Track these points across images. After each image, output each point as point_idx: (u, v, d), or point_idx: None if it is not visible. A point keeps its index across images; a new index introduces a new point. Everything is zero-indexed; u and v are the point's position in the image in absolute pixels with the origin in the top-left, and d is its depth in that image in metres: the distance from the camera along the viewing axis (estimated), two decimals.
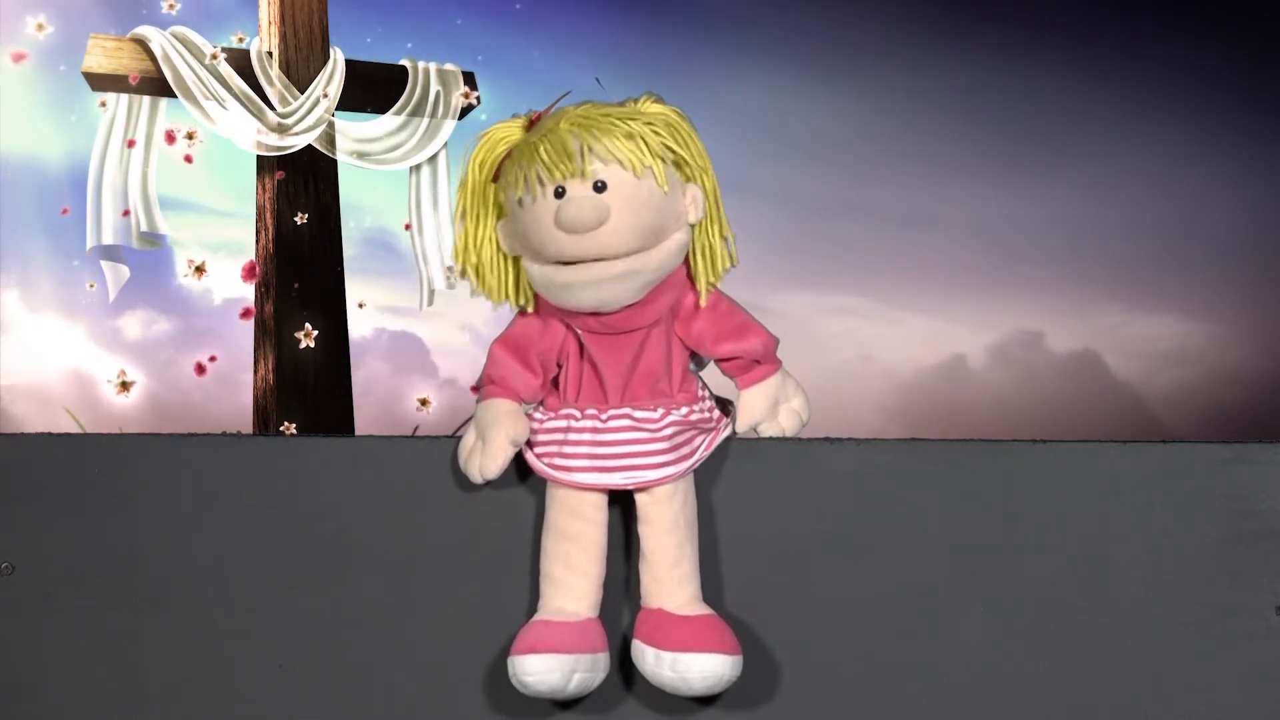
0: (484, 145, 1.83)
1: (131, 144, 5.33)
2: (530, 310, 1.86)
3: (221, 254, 5.44)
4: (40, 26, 5.29)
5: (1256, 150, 5.52)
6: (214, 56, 5.31)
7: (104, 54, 5.34)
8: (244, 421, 5.37)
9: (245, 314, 5.39)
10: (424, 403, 5.47)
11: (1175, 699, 1.87)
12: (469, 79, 5.56)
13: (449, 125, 5.53)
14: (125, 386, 5.31)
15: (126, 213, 5.32)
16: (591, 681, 1.80)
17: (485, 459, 1.81)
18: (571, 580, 1.81)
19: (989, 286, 5.52)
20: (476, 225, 1.84)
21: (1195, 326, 5.56)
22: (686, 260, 1.83)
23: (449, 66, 5.55)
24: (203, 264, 5.36)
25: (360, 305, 5.44)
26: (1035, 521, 1.89)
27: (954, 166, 5.51)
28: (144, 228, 5.36)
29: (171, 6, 5.38)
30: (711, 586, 1.85)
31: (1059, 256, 5.52)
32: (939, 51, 5.51)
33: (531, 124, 1.81)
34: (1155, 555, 1.88)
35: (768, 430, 1.87)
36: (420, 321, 5.54)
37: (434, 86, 5.52)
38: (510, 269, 1.84)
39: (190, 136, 5.38)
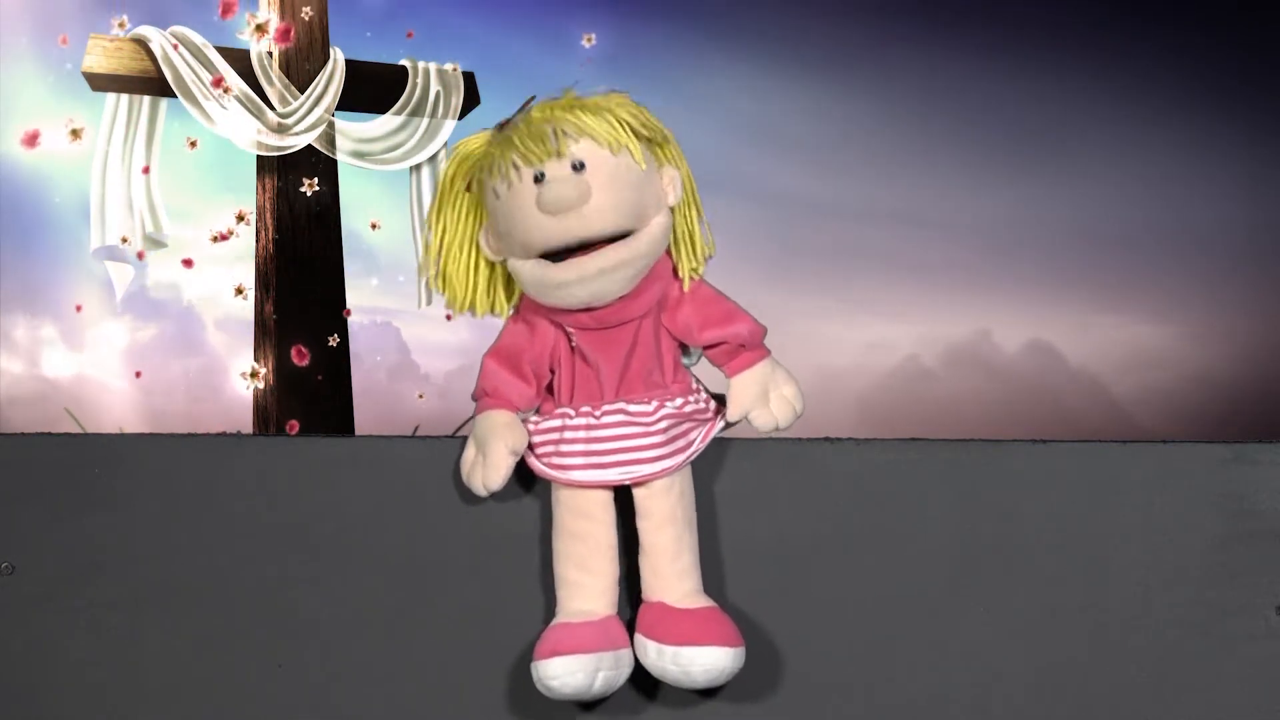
0: (457, 155, 1.83)
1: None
2: (505, 315, 1.86)
3: (221, 254, 5.45)
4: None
5: (1256, 153, 5.52)
6: (217, 84, 5.30)
7: (104, 54, 5.34)
8: (244, 421, 5.37)
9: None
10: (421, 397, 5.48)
11: (1175, 699, 1.87)
12: (469, 79, 5.56)
13: (449, 125, 5.54)
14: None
15: (126, 240, 5.33)
16: (616, 679, 1.80)
17: (487, 471, 1.81)
18: (586, 580, 1.82)
19: (957, 286, 5.51)
20: (447, 233, 1.83)
21: (1170, 328, 5.55)
22: (670, 249, 1.83)
23: (449, 66, 5.55)
24: (255, 372, 5.36)
25: (348, 312, 5.44)
26: (1035, 521, 1.89)
27: (935, 166, 5.50)
28: (148, 229, 5.36)
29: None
30: (713, 585, 1.85)
31: (1045, 257, 5.51)
32: (920, 51, 5.50)
33: (501, 128, 1.81)
34: (1155, 555, 1.88)
35: (760, 420, 1.85)
36: (417, 320, 5.54)
37: (434, 86, 5.52)
38: (484, 276, 1.84)
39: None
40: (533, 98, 1.82)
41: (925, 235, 5.51)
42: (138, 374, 5.37)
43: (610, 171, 1.75)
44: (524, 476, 1.87)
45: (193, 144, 5.37)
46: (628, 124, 1.77)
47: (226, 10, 5.35)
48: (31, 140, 5.27)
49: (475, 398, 1.85)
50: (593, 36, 5.48)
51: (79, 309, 5.36)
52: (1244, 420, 5.30)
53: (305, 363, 5.41)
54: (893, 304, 5.48)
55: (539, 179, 1.73)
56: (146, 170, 5.34)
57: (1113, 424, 5.40)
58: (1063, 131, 5.54)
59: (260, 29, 5.25)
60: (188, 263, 5.41)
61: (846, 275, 5.40)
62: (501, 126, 1.80)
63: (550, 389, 1.86)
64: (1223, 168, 5.52)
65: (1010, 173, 5.54)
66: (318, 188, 5.45)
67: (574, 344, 1.82)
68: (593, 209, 1.73)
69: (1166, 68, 5.50)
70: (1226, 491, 1.88)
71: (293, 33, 5.28)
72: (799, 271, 5.14)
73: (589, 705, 1.86)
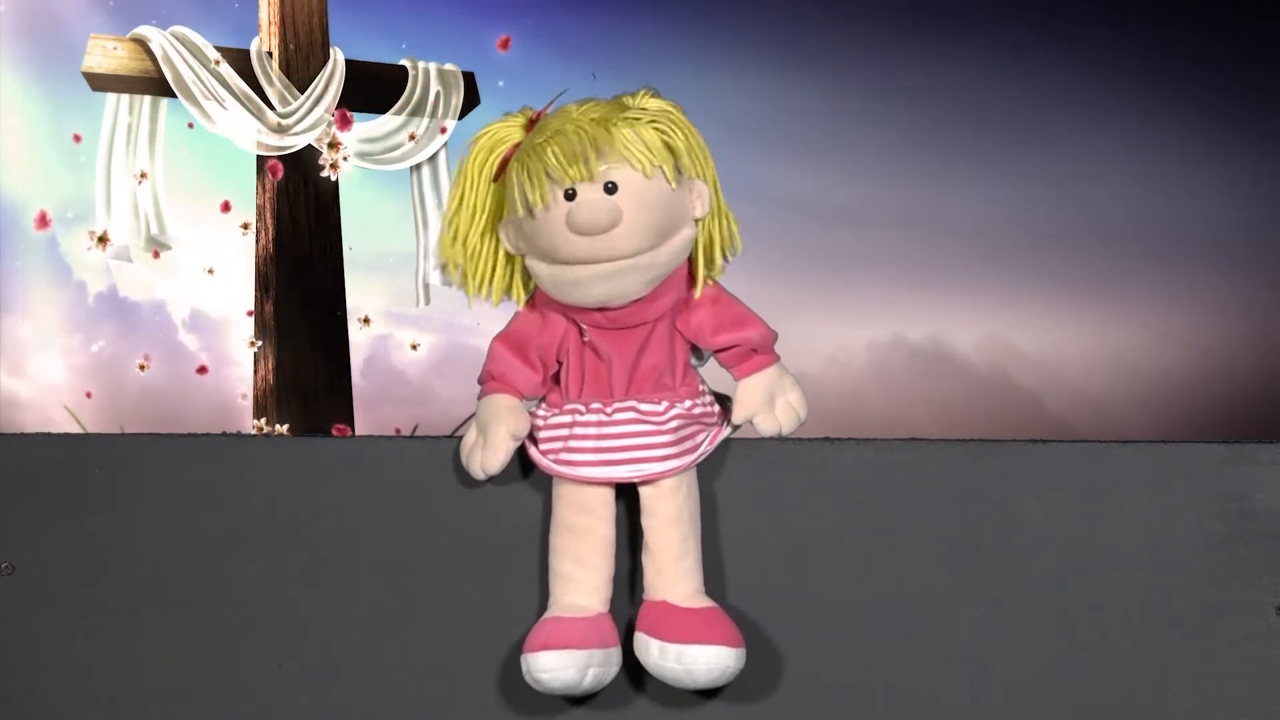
0: (484, 145, 1.82)
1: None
2: (523, 306, 1.86)
3: (221, 255, 5.45)
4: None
5: (1249, 154, 5.50)
6: (217, 62, 5.31)
7: (104, 54, 5.34)
8: (243, 421, 5.37)
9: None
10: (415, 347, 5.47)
11: (1175, 699, 1.87)
12: (469, 79, 5.56)
13: (449, 125, 5.54)
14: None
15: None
16: (605, 676, 1.80)
17: (487, 454, 1.81)
18: (581, 575, 1.82)
19: (931, 286, 5.49)
20: (471, 223, 1.84)
21: (1149, 329, 5.53)
22: (690, 255, 1.83)
23: (449, 66, 5.55)
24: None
25: (365, 320, 5.43)
26: (1035, 521, 1.89)
27: (912, 163, 5.48)
28: (153, 231, 5.36)
29: None
30: (713, 585, 1.85)
31: (1028, 257, 5.49)
32: (897, 43, 5.47)
33: (531, 123, 1.81)
34: (1155, 555, 1.88)
35: (764, 425, 1.85)
36: (416, 319, 5.54)
37: (434, 86, 5.52)
38: (503, 265, 1.84)
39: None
40: (564, 91, 1.82)
41: (904, 235, 5.50)
42: (141, 367, 5.37)
43: (641, 195, 1.75)
44: (524, 473, 1.87)
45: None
46: (663, 143, 1.77)
47: None
48: (42, 220, 5.29)
49: (481, 381, 1.86)
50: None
51: (72, 308, 5.36)
52: (1240, 421, 5.30)
53: (304, 363, 5.41)
54: (866, 303, 5.47)
55: (570, 195, 1.74)
56: (144, 175, 5.34)
57: (1090, 427, 5.38)
58: (1052, 131, 5.52)
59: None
60: (186, 264, 5.41)
61: (812, 274, 5.39)
62: (531, 122, 1.80)
63: (556, 380, 1.86)
64: (1214, 168, 5.51)
65: (992, 172, 5.52)
66: (318, 188, 5.45)
67: (586, 339, 1.83)
68: (622, 232, 1.73)
69: (1158, 66, 5.49)
70: (1226, 491, 1.88)
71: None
72: (770, 270, 5.13)
73: (579, 700, 1.86)
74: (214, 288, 5.44)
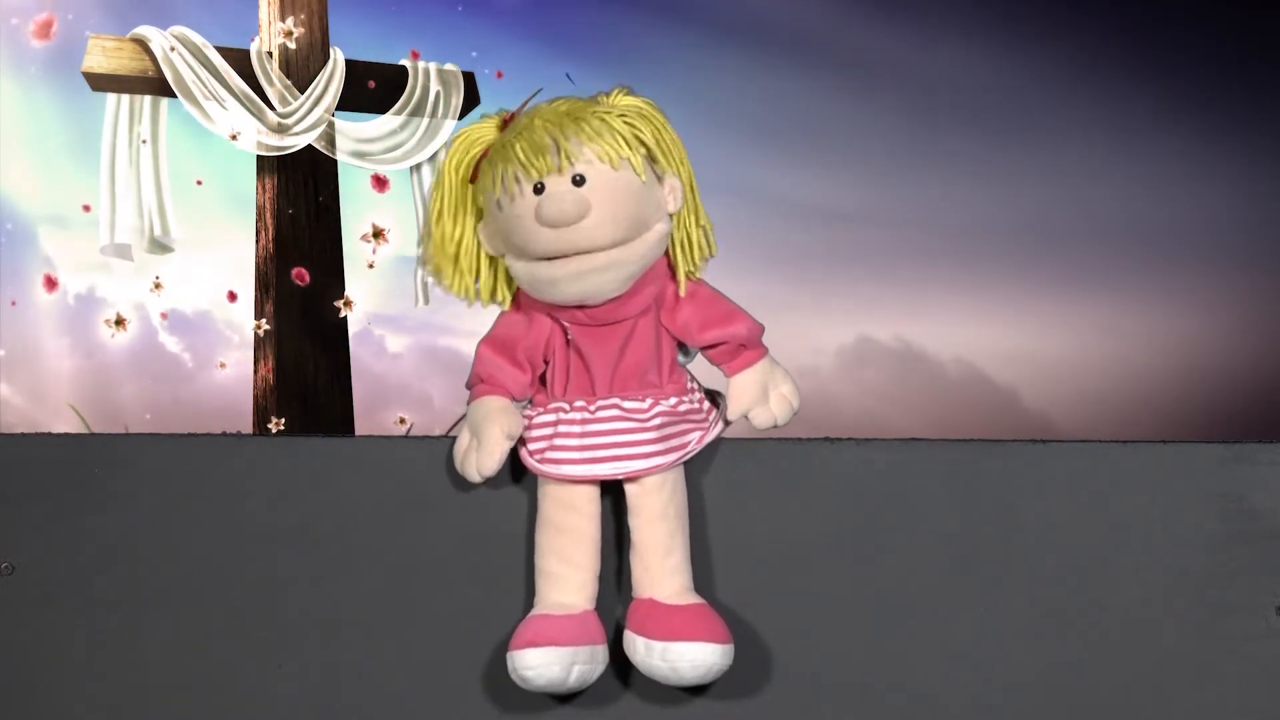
0: (459, 146, 1.84)
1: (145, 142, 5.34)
2: (508, 307, 1.86)
3: (222, 253, 5.44)
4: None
5: (1250, 153, 5.50)
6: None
7: (104, 54, 5.34)
8: (244, 421, 5.37)
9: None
10: (402, 421, 5.47)
11: (1175, 699, 1.87)
12: (469, 79, 5.56)
13: (449, 125, 5.54)
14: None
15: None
16: (591, 674, 1.81)
17: (482, 456, 1.81)
18: (567, 573, 1.82)
19: (915, 286, 5.47)
20: (453, 225, 1.84)
21: (1139, 330, 5.52)
22: (668, 250, 1.83)
23: (449, 66, 5.55)
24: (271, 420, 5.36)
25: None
26: (1035, 521, 1.89)
27: (900, 161, 5.46)
28: (156, 233, 5.36)
29: None
30: (710, 585, 1.85)
31: (1003, 255, 5.48)
32: (881, 36, 5.45)
33: (505, 123, 1.82)
34: (1155, 555, 1.88)
35: (759, 418, 1.85)
36: (417, 320, 5.54)
37: (434, 86, 5.52)
38: (486, 267, 1.85)
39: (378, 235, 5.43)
40: (539, 90, 1.83)
41: (892, 235, 5.49)
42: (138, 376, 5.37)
43: (610, 186, 1.75)
44: (518, 474, 1.87)
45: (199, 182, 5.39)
46: (633, 136, 1.77)
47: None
48: (50, 284, 5.30)
49: (469, 386, 1.86)
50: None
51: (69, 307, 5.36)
52: (1240, 421, 5.29)
53: (305, 363, 5.40)
54: (859, 303, 5.46)
55: (539, 189, 1.74)
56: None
57: (1090, 427, 5.37)
58: (1050, 130, 5.51)
59: None
60: (186, 264, 5.41)
61: (809, 273, 5.39)
62: (505, 122, 1.81)
63: (543, 380, 1.86)
64: (1214, 168, 5.49)
65: (990, 172, 5.50)
66: (318, 188, 5.45)
67: (569, 338, 1.83)
68: (591, 223, 1.74)
69: (1158, 66, 5.48)
70: (1226, 491, 1.88)
71: None
72: (757, 268, 5.12)
73: (565, 697, 1.86)
74: (214, 286, 5.44)
